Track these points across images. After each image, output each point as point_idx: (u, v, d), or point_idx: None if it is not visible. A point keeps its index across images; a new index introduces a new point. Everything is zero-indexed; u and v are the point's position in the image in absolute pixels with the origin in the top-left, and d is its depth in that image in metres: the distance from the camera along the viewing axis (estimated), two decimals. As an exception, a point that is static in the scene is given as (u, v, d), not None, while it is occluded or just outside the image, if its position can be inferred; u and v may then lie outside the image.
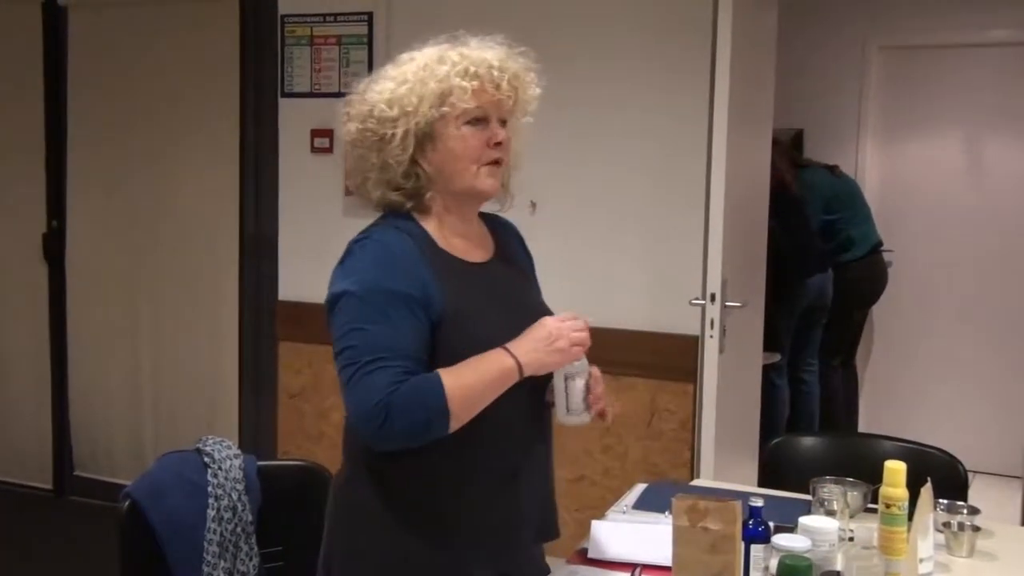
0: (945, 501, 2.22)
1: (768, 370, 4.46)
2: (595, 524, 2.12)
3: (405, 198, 1.73)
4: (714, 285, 3.30)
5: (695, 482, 2.94)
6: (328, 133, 3.91)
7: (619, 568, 1.99)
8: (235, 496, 2.22)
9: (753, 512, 1.88)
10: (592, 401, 1.75)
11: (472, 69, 1.69)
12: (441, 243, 1.74)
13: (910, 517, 1.90)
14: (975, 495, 2.51)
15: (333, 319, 1.66)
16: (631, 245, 3.64)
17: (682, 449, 3.57)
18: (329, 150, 3.93)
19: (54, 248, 4.74)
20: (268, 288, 4.24)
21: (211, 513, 2.19)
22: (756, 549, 1.87)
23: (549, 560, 1.93)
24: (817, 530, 1.90)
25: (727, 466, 3.40)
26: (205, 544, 2.17)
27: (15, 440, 4.88)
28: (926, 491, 1.92)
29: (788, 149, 5.03)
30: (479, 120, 1.71)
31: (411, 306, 1.63)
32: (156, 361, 4.60)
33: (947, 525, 2.16)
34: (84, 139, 4.65)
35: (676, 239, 3.56)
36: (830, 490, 2.22)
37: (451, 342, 1.66)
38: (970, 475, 2.62)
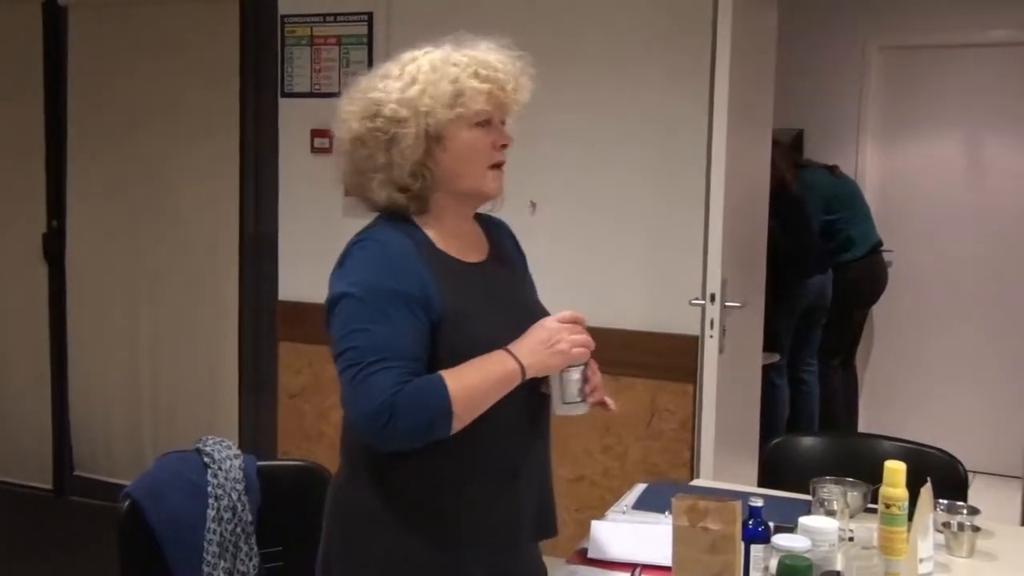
0: (945, 501, 2.22)
1: (768, 370, 4.46)
2: (595, 524, 2.12)
3: (411, 199, 1.73)
4: (714, 285, 3.30)
5: (695, 482, 2.94)
6: (328, 133, 3.91)
7: (619, 568, 1.99)
8: (235, 496, 2.22)
9: (753, 512, 1.89)
10: (588, 391, 1.75)
11: (483, 72, 1.70)
12: (439, 243, 1.74)
13: (910, 517, 1.90)
14: (975, 495, 2.51)
15: (333, 320, 1.66)
16: (631, 245, 3.64)
17: (682, 449, 3.57)
18: (329, 150, 3.92)
19: (54, 248, 4.75)
20: (268, 288, 4.24)
21: (211, 513, 2.19)
22: (756, 549, 1.87)
23: (549, 560, 1.93)
24: (817, 530, 1.90)
25: (727, 466, 3.40)
26: (205, 544, 2.17)
27: (15, 440, 4.88)
28: (926, 491, 1.92)
29: (788, 149, 5.03)
30: (485, 122, 1.72)
31: (411, 306, 1.63)
32: (156, 361, 4.60)
33: (947, 525, 2.16)
34: (84, 139, 4.65)
35: (676, 239, 3.56)
36: (830, 490, 2.22)
37: (451, 342, 1.66)
38: (970, 475, 2.62)
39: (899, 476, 1.92)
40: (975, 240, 5.28)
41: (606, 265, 3.67)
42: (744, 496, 1.92)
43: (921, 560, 1.93)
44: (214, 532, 2.18)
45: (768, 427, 4.25)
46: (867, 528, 1.91)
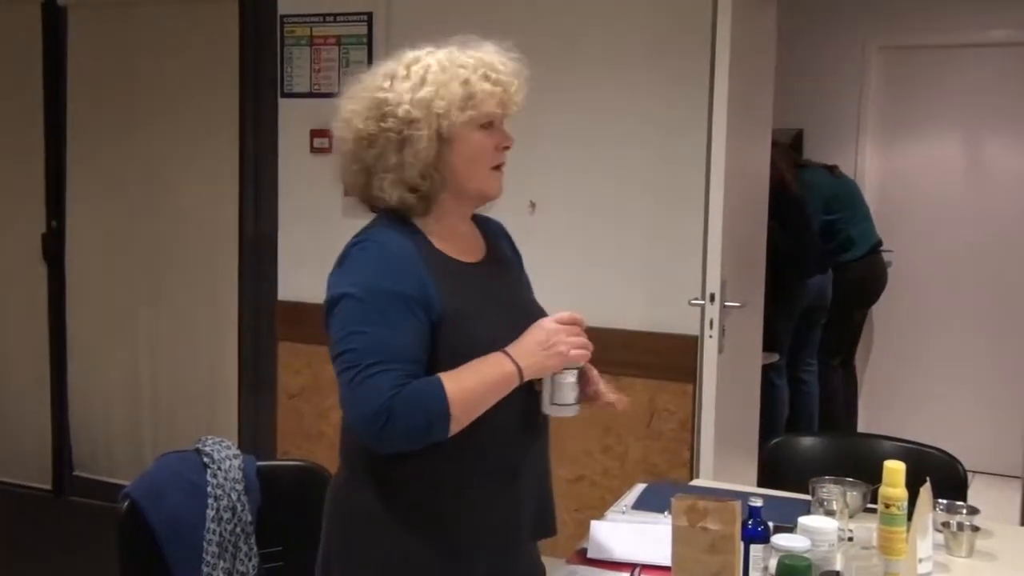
0: (944, 501, 2.22)
1: (767, 370, 4.46)
2: (594, 524, 2.12)
3: (419, 199, 1.73)
4: (713, 285, 3.30)
5: (694, 482, 2.94)
6: (328, 133, 3.90)
7: (618, 568, 1.99)
8: (234, 496, 2.22)
9: (752, 512, 1.89)
10: (587, 395, 1.76)
11: (492, 74, 1.70)
12: (437, 244, 1.74)
13: (909, 517, 1.90)
14: (974, 495, 2.51)
15: (332, 321, 1.65)
16: (631, 245, 3.64)
17: (681, 449, 3.57)
18: (329, 150, 3.92)
19: (53, 248, 4.74)
20: (267, 288, 4.24)
21: (210, 513, 2.19)
22: (755, 549, 1.87)
23: (548, 560, 1.94)
24: (816, 530, 1.90)
25: (726, 466, 3.40)
26: (204, 544, 2.17)
27: (15, 440, 4.88)
28: (925, 491, 1.92)
29: (787, 149, 5.03)
30: (488, 123, 1.72)
31: (411, 307, 1.63)
32: (155, 361, 4.60)
33: (946, 525, 2.16)
34: (83, 139, 4.65)
35: (675, 239, 3.56)
36: (829, 490, 2.22)
37: (451, 342, 1.66)
38: (969, 475, 2.62)
39: (898, 476, 1.92)
40: (975, 240, 5.28)
41: (606, 265, 3.67)
42: (743, 496, 1.92)
43: (920, 560, 1.93)
44: (213, 532, 2.18)
45: (768, 427, 4.25)
46: (866, 528, 1.91)
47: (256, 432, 4.30)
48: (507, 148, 1.75)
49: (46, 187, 4.73)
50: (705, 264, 3.36)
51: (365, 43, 3.97)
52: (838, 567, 1.87)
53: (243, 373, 4.37)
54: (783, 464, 2.68)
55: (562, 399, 1.72)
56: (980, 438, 4.99)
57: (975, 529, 2.16)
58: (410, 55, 1.75)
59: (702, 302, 3.36)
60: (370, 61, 3.92)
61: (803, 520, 1.94)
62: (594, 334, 1.76)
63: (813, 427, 4.96)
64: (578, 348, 1.70)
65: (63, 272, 4.75)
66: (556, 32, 3.66)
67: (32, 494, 4.82)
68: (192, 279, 4.48)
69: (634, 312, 3.61)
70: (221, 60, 4.31)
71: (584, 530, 2.12)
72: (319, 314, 1.69)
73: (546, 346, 1.67)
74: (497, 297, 1.78)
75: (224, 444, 2.29)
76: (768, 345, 4.25)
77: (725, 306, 3.32)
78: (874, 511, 1.98)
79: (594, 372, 1.82)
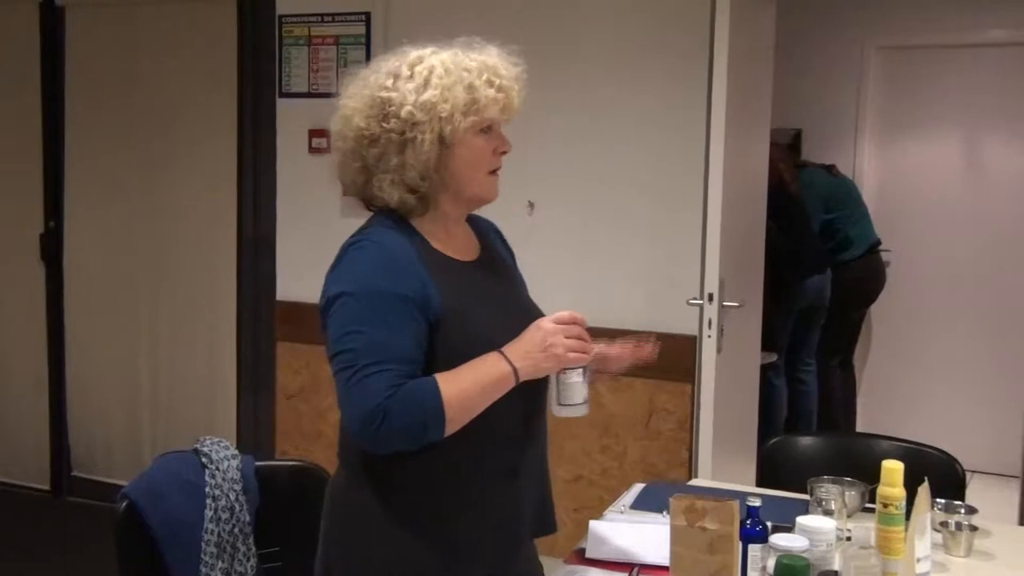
0: (943, 501, 2.23)
1: (766, 370, 4.46)
2: (593, 524, 2.12)
3: (419, 199, 1.73)
4: (712, 285, 3.30)
5: (693, 482, 2.94)
6: (326, 133, 3.91)
7: (617, 568, 1.99)
8: (233, 496, 2.22)
9: (751, 512, 1.89)
10: (604, 365, 1.78)
11: (495, 80, 1.70)
12: (434, 243, 1.74)
13: (908, 517, 1.91)
14: (973, 495, 2.51)
15: (329, 321, 1.65)
16: (629, 245, 3.63)
17: (680, 449, 3.57)
18: (327, 150, 3.93)
19: (51, 248, 4.74)
20: (266, 288, 4.24)
21: (209, 513, 2.19)
22: (754, 549, 1.87)
23: (547, 560, 1.94)
24: (815, 530, 1.90)
25: (725, 466, 3.40)
26: (203, 544, 2.17)
27: (13, 440, 4.88)
28: (924, 490, 1.92)
29: (786, 149, 5.03)
30: (487, 128, 1.72)
31: (408, 308, 1.63)
32: (154, 361, 4.59)
33: (944, 525, 2.17)
34: (81, 139, 4.65)
35: (674, 239, 3.56)
36: (828, 490, 2.22)
37: (450, 341, 1.66)
38: (968, 475, 2.62)
39: (897, 475, 1.92)
40: (973, 239, 5.29)
41: (604, 265, 3.67)
42: (742, 496, 1.92)
43: (919, 559, 1.93)
44: (212, 532, 2.18)
45: (766, 427, 4.25)
46: (865, 528, 1.90)
47: (255, 432, 4.30)
48: (505, 153, 1.76)
49: (44, 187, 4.72)
50: (704, 264, 3.36)
51: (363, 43, 3.97)
52: (836, 567, 1.87)
53: (241, 373, 4.37)
54: (781, 464, 2.68)
55: (569, 399, 1.72)
56: (979, 438, 5.00)
57: (973, 529, 2.16)
58: (413, 54, 1.74)
59: (700, 302, 3.36)
60: (368, 61, 3.92)
61: (801, 520, 1.94)
62: (593, 334, 1.75)
63: (811, 427, 4.96)
64: (576, 349, 1.69)
65: (61, 272, 4.74)
66: (554, 32, 3.66)
67: (30, 494, 4.82)
68: (190, 279, 4.48)
69: (632, 312, 3.61)
70: (219, 60, 4.30)
71: (583, 530, 2.12)
72: (317, 314, 1.69)
73: (542, 347, 1.67)
74: (494, 295, 1.79)
75: (222, 444, 2.29)
76: (767, 345, 4.25)
77: (724, 306, 3.32)
78: (872, 511, 1.98)
79: (597, 347, 1.79)
